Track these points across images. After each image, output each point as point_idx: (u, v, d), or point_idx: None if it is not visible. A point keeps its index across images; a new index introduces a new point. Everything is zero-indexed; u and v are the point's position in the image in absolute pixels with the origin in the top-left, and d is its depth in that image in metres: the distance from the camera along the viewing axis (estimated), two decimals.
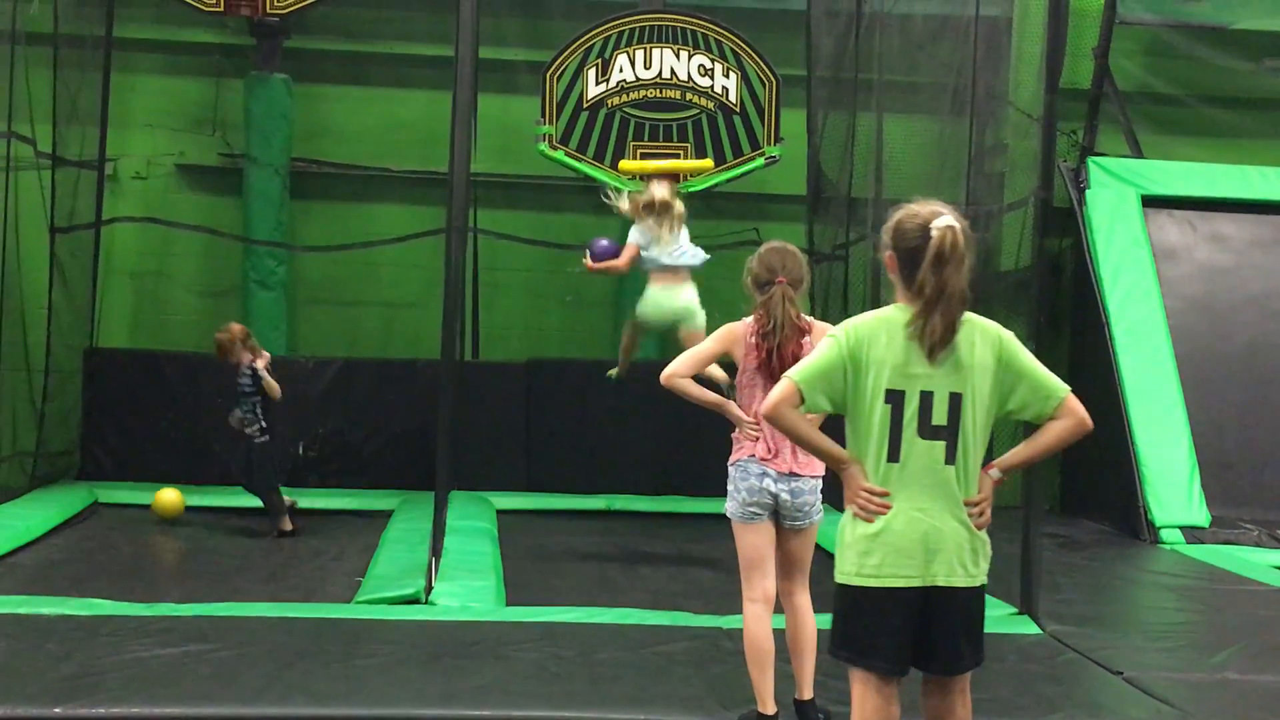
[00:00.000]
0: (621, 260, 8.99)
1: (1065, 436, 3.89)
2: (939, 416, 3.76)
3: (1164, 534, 9.94)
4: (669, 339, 9.97)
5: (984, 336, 3.84)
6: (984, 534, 3.86)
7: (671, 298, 8.83)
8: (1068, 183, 11.57)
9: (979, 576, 3.84)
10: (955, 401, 3.76)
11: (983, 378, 3.80)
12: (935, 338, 3.74)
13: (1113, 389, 10.66)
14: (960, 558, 3.79)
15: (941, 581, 3.77)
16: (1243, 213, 11.86)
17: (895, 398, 3.76)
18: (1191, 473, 10.31)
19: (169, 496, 9.98)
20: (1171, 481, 10.25)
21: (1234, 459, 10.65)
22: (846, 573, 3.84)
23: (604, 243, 9.22)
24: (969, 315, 3.83)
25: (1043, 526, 7.39)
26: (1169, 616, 7.85)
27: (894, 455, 3.77)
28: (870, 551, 3.78)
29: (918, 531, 3.76)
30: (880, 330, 3.80)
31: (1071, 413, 3.86)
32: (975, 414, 3.79)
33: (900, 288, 3.86)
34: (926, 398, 3.75)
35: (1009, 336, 3.89)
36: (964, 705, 3.90)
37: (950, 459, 3.78)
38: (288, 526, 9.65)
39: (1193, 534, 9.94)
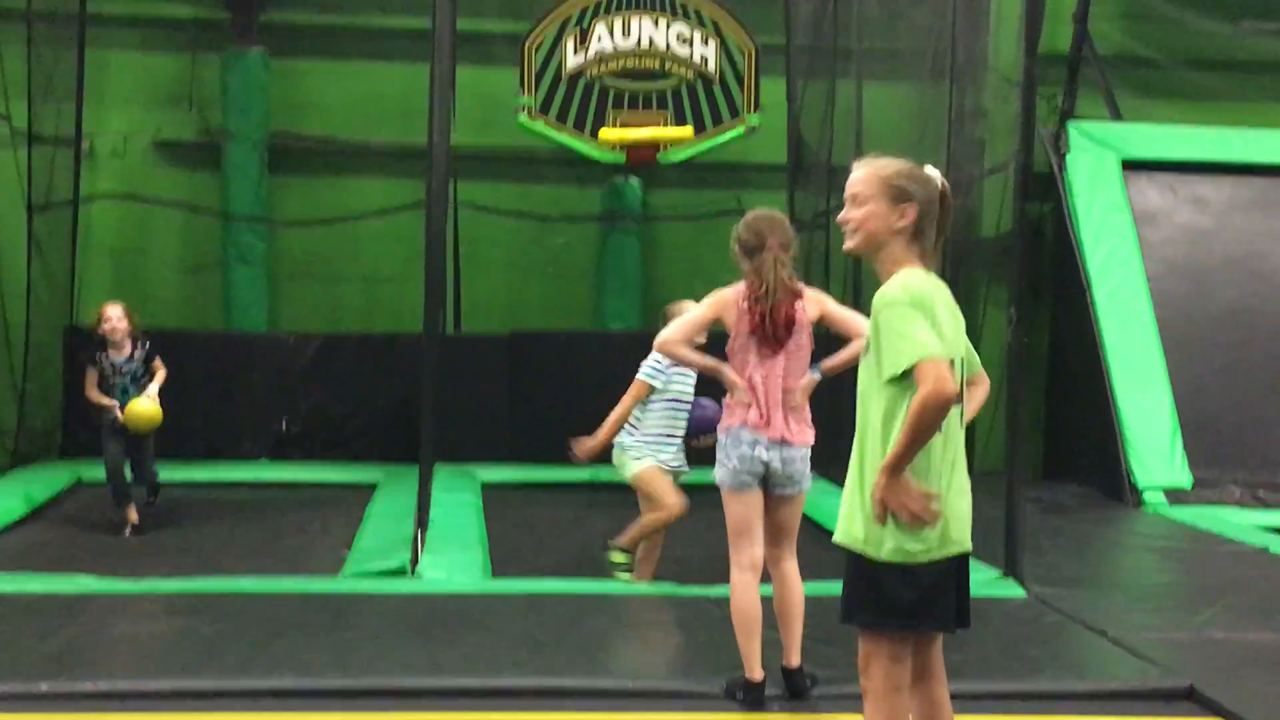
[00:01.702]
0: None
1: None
2: (959, 379, 3.71)
3: (1147, 496, 9.99)
4: (651, 313, 9.97)
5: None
6: None
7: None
8: (1048, 148, 11.57)
9: None
10: (961, 365, 3.76)
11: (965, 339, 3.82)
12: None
13: (1094, 353, 10.70)
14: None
15: (969, 545, 3.77)
16: (1222, 175, 11.88)
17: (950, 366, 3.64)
18: (1173, 435, 10.36)
19: (143, 406, 8.78)
20: (1154, 444, 10.29)
21: (1216, 420, 10.70)
22: (909, 550, 3.64)
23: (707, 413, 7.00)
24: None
25: (1026, 490, 7.42)
26: (1152, 577, 7.90)
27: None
28: (939, 524, 3.64)
29: (961, 494, 3.74)
30: (934, 293, 3.68)
31: (983, 386, 4.00)
32: (966, 372, 3.82)
33: (904, 244, 3.74)
34: (955, 363, 3.68)
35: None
36: (942, 664, 3.91)
37: (963, 422, 3.79)
38: (135, 518, 8.87)
39: (1175, 496, 9.99)
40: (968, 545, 3.74)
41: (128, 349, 8.83)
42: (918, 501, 3.60)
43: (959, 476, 3.73)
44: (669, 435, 7.06)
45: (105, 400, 8.82)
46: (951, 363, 3.62)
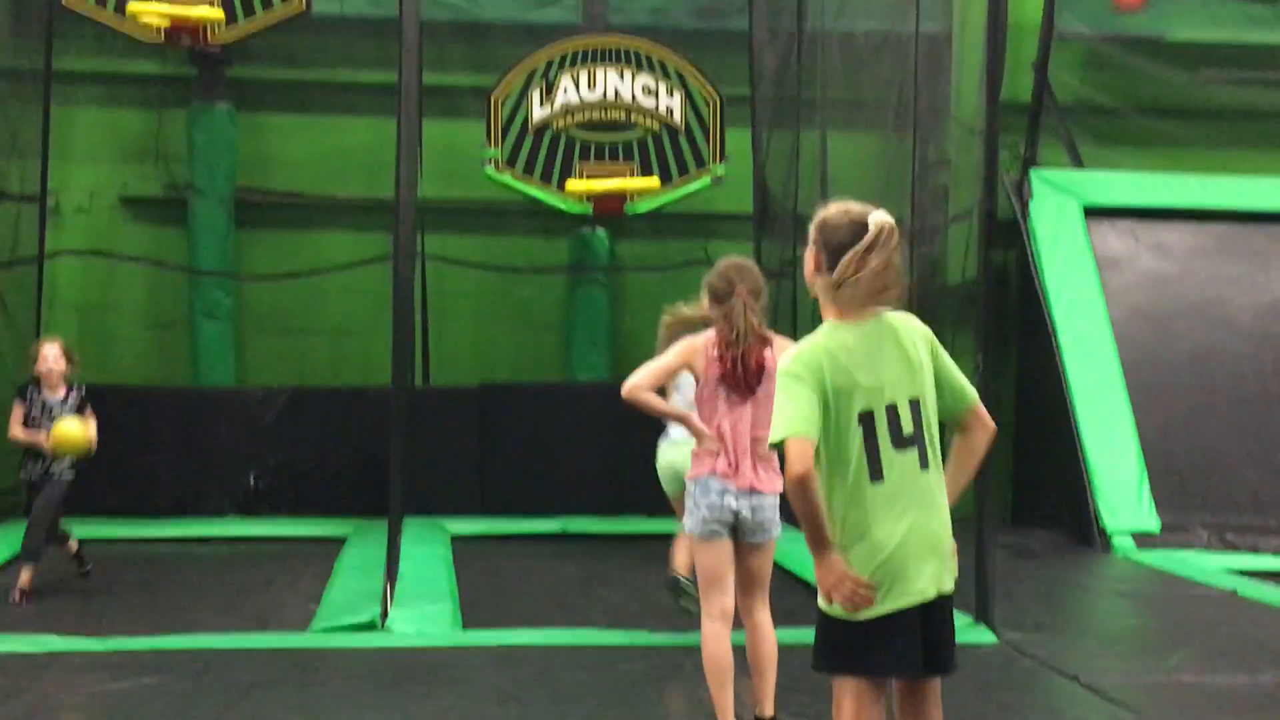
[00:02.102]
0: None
1: (983, 451, 3.84)
2: (907, 426, 3.68)
3: (1115, 541, 10.02)
4: (620, 364, 9.99)
5: (918, 335, 3.77)
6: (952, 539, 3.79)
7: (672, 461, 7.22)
8: (1011, 195, 11.68)
9: (955, 574, 3.78)
10: (915, 407, 3.70)
11: (928, 377, 3.74)
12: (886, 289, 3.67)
13: (1061, 398, 10.76)
14: (948, 563, 3.73)
15: (946, 588, 3.71)
16: (1183, 221, 12.01)
17: (865, 418, 3.65)
18: (1141, 479, 10.41)
19: (72, 426, 8.10)
20: (1121, 488, 10.33)
21: (1182, 465, 10.76)
22: (851, 610, 3.64)
23: None
24: (903, 314, 3.78)
25: (997, 537, 7.43)
26: (1123, 622, 7.92)
27: (876, 475, 3.65)
28: (878, 579, 3.63)
29: (915, 548, 3.65)
30: (833, 354, 3.67)
31: (980, 420, 3.82)
32: (933, 414, 3.74)
33: (827, 290, 3.75)
34: (892, 410, 3.67)
35: (931, 334, 3.82)
36: (939, 708, 3.87)
37: (924, 463, 3.70)
38: (26, 583, 8.13)
39: (1144, 540, 10.02)
40: (925, 596, 3.65)
41: (62, 391, 8.33)
42: (846, 588, 3.61)
43: (913, 530, 3.66)
44: None
45: (31, 435, 8.17)
46: (871, 415, 3.63)
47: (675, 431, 7.11)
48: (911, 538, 3.66)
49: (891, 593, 3.63)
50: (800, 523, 3.61)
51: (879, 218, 3.70)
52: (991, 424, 3.83)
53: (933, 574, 3.68)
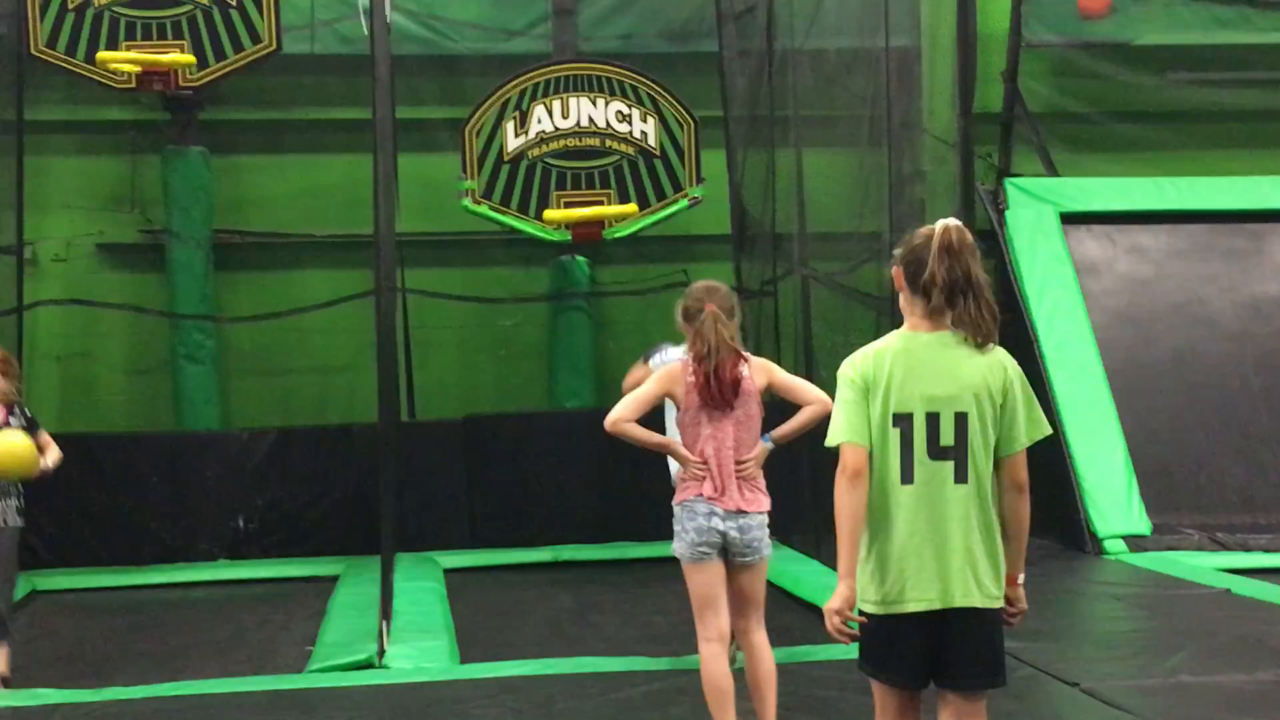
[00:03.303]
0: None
1: (1013, 509, 3.86)
2: (946, 437, 3.78)
3: (1107, 544, 10.04)
4: (604, 390, 9.99)
5: (997, 365, 3.86)
6: (999, 554, 3.83)
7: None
8: (987, 205, 11.73)
9: (996, 600, 3.82)
10: (961, 422, 3.78)
11: (985, 400, 3.81)
12: (983, 327, 3.81)
13: (1046, 405, 10.64)
14: (977, 576, 3.77)
15: (959, 603, 3.76)
16: (1159, 224, 12.08)
17: (903, 421, 3.78)
18: (1129, 482, 10.43)
19: (13, 438, 7.07)
20: (1110, 492, 10.36)
21: (1170, 466, 10.79)
22: (865, 599, 3.82)
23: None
24: (998, 348, 3.90)
25: None
26: (1119, 625, 7.93)
27: (907, 477, 3.77)
28: (886, 579, 3.78)
29: (932, 555, 3.75)
30: (885, 356, 3.84)
31: (1005, 472, 3.85)
32: (980, 434, 3.80)
33: (908, 303, 3.89)
34: (933, 419, 3.78)
35: (1013, 363, 3.92)
36: None
37: (961, 478, 3.77)
38: (4, 665, 7.09)
39: (1135, 542, 10.04)
40: (930, 605, 3.74)
41: (1, 413, 7.17)
42: (834, 620, 3.81)
43: (930, 539, 3.75)
44: None
45: None
46: (910, 418, 3.77)
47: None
48: (927, 547, 3.75)
49: (905, 593, 3.76)
50: (838, 528, 3.76)
51: (944, 222, 3.88)
52: (1018, 476, 3.85)
53: (941, 588, 3.74)
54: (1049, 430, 3.94)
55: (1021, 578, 3.91)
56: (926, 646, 3.78)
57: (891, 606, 3.77)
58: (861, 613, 3.81)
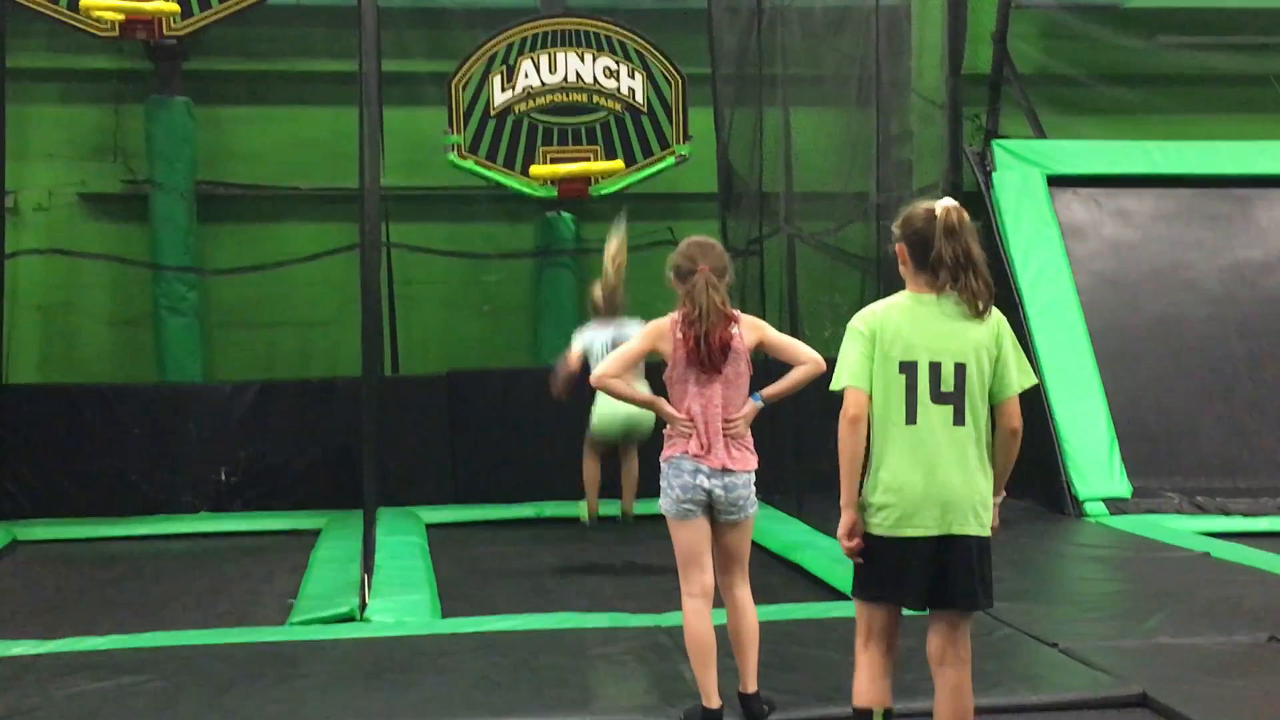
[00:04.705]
0: (571, 362, 8.68)
1: (1005, 446, 4.38)
2: (947, 384, 4.26)
3: (1088, 507, 10.08)
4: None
5: (992, 321, 4.32)
6: (989, 492, 4.34)
7: (616, 406, 8.17)
8: (974, 167, 11.69)
9: (987, 527, 4.32)
10: (960, 370, 4.26)
11: (983, 353, 4.28)
12: (981, 300, 4.25)
13: (1030, 367, 10.78)
14: (973, 509, 4.27)
15: (956, 530, 4.25)
16: (1145, 188, 12.05)
17: (908, 368, 4.25)
18: (1111, 446, 10.46)
19: None
20: (1092, 455, 10.39)
21: (1151, 430, 10.81)
22: (872, 524, 4.29)
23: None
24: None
25: None
26: (1099, 587, 7.97)
27: (910, 418, 4.25)
28: (891, 505, 4.25)
29: (934, 487, 4.23)
30: (892, 312, 4.32)
31: (1002, 415, 4.35)
32: (978, 383, 4.28)
33: (911, 277, 4.34)
34: (935, 367, 4.25)
35: (1004, 321, 4.35)
36: (965, 646, 4.38)
37: (959, 421, 4.26)
38: None
39: (1116, 505, 10.08)
40: (929, 531, 4.23)
41: None
42: (845, 544, 4.34)
43: (931, 473, 4.23)
44: None
45: None
46: (914, 366, 4.25)
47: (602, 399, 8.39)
48: (930, 482, 4.23)
49: (904, 521, 4.24)
50: (839, 465, 4.26)
51: (944, 203, 4.31)
52: (1013, 422, 4.36)
53: (940, 516, 4.23)
54: (1035, 380, 4.43)
55: (1000, 499, 4.41)
56: (928, 570, 4.24)
57: (895, 530, 4.24)
58: (868, 535, 4.28)
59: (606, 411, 8.73)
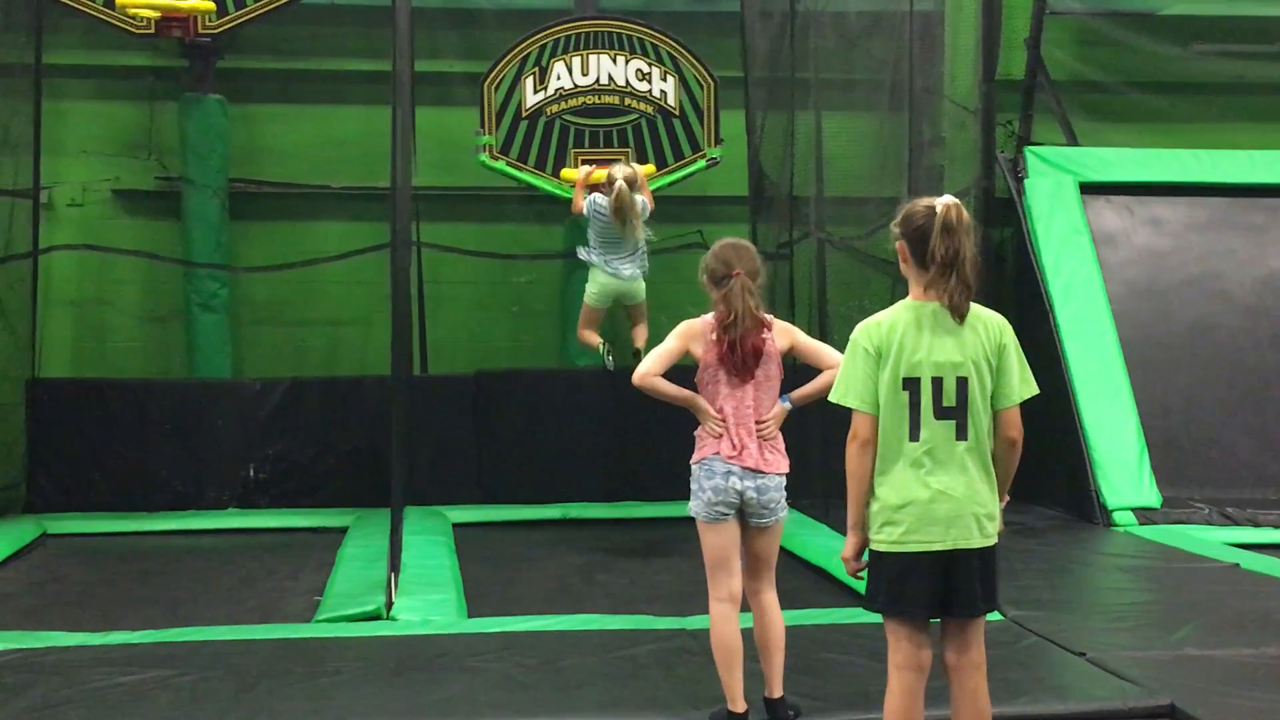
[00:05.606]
0: (576, 202, 10.31)
1: (1004, 458, 4.42)
2: (949, 399, 4.26)
3: (1116, 516, 10.02)
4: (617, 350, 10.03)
5: (993, 328, 4.34)
6: (993, 502, 4.36)
7: (615, 278, 9.78)
8: (1006, 173, 11.64)
9: (992, 537, 4.33)
10: (961, 385, 4.26)
11: (983, 364, 4.28)
12: (956, 298, 4.21)
13: (1060, 375, 10.74)
14: (978, 521, 4.29)
15: (962, 545, 4.27)
16: (1178, 196, 11.99)
17: (911, 385, 4.25)
18: (1140, 455, 10.40)
19: None
20: (1121, 464, 10.33)
21: (1181, 439, 10.76)
22: (877, 539, 4.32)
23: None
24: (986, 310, 4.35)
25: None
26: (1126, 597, 7.92)
27: (914, 435, 4.26)
28: (897, 521, 4.27)
29: (939, 503, 4.25)
30: (896, 326, 4.30)
31: (1001, 425, 4.36)
32: (979, 395, 4.28)
33: (913, 274, 4.31)
34: (937, 383, 4.25)
35: (1008, 328, 4.36)
36: (979, 651, 4.39)
37: (962, 436, 4.27)
38: None
39: (1145, 515, 10.02)
40: (939, 545, 4.24)
41: None
42: (849, 566, 4.46)
43: (938, 491, 4.25)
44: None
45: None
46: (917, 382, 4.24)
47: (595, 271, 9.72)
48: (938, 498, 4.25)
49: (910, 535, 4.26)
50: (848, 487, 4.32)
51: (944, 200, 4.26)
52: (1011, 431, 4.37)
53: (945, 530, 4.25)
54: (1037, 390, 4.42)
55: (1003, 503, 4.45)
56: (935, 583, 4.26)
57: (901, 544, 4.26)
58: (875, 551, 4.32)
59: (602, 281, 9.83)
